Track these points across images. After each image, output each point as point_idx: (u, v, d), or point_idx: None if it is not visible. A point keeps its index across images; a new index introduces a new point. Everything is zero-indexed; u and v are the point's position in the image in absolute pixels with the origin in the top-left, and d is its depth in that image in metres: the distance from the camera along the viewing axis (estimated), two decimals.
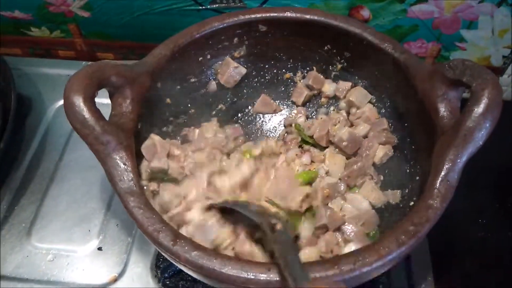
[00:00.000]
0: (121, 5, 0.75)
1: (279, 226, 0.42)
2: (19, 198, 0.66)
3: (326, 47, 0.61)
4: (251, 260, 0.44)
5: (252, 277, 0.39)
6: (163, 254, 0.44)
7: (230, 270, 0.39)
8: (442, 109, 0.47)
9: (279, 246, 0.40)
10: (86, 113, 0.43)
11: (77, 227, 0.63)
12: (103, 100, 0.48)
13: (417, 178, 0.52)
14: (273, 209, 0.51)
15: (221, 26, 0.57)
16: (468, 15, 0.69)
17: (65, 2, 0.75)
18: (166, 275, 0.58)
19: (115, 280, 0.59)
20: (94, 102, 0.44)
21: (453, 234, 0.66)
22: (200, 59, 0.60)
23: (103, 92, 0.48)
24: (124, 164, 0.45)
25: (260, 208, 0.49)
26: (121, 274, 0.59)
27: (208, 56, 0.60)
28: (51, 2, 0.76)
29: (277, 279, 0.39)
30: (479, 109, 0.41)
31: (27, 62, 0.82)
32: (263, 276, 0.39)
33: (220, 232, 0.47)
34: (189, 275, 0.57)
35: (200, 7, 0.73)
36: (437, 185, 0.42)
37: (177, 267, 0.57)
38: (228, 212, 0.49)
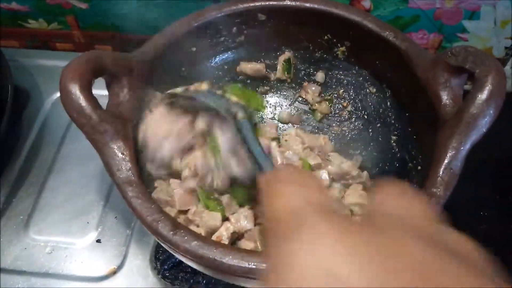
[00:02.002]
0: None
1: (240, 115, 0.43)
2: (16, 190, 0.65)
3: (326, 37, 0.60)
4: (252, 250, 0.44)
5: (254, 266, 0.38)
6: (162, 244, 0.43)
7: (231, 260, 0.39)
8: (445, 97, 0.46)
9: (243, 135, 0.41)
10: (83, 102, 0.42)
11: (75, 219, 0.63)
12: (100, 91, 0.47)
13: (419, 168, 0.52)
14: (235, 99, 0.49)
15: (219, 15, 0.56)
16: (470, 5, 0.68)
17: None
18: (166, 267, 0.58)
19: (114, 272, 0.58)
20: (91, 90, 0.43)
21: (454, 227, 0.66)
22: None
23: (100, 84, 0.47)
24: (122, 153, 0.44)
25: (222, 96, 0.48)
26: (120, 266, 0.59)
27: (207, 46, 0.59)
28: None
29: None
30: (483, 95, 0.40)
31: (24, 53, 0.81)
32: (265, 266, 0.38)
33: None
34: (189, 267, 0.57)
35: None
36: (440, 173, 0.41)
37: (176, 259, 0.57)
38: None
